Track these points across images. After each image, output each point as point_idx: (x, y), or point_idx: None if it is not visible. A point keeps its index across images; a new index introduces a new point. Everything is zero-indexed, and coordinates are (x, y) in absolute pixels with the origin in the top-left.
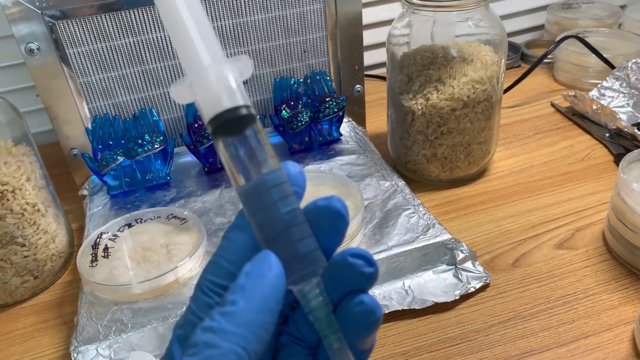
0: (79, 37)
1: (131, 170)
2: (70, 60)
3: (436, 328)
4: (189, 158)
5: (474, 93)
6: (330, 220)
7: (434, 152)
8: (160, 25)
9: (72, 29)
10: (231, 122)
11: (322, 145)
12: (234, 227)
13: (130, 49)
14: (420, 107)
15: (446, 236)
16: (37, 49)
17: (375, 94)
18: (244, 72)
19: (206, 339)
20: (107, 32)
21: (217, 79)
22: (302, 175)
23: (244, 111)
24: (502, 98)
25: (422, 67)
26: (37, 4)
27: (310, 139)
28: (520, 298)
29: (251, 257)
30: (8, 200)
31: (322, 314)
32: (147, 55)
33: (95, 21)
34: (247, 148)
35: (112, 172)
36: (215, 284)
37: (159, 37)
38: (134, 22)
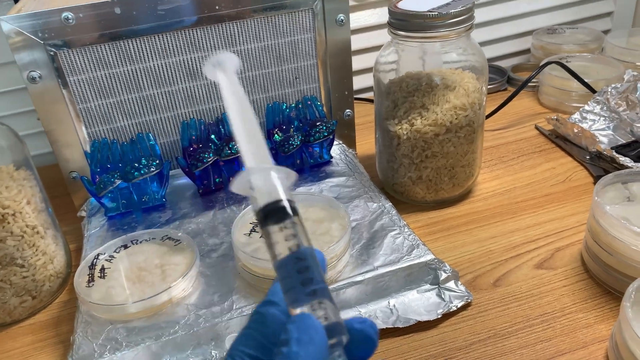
0: (80, 65)
1: (128, 193)
2: (70, 87)
3: (419, 346)
4: (184, 180)
5: (456, 119)
6: (361, 344)
7: (419, 175)
8: (156, 54)
9: (72, 58)
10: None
11: (313, 168)
12: (266, 302)
13: (128, 76)
14: (405, 132)
15: (430, 256)
16: (39, 77)
17: (366, 117)
18: (289, 177)
19: None
20: (107, 60)
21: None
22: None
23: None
24: (484, 122)
25: (407, 93)
26: (40, 34)
27: (301, 161)
28: (501, 317)
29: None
30: (9, 223)
31: None
32: (145, 82)
33: (95, 50)
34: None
35: (109, 195)
36: (247, 355)
37: (156, 65)
38: (132, 50)
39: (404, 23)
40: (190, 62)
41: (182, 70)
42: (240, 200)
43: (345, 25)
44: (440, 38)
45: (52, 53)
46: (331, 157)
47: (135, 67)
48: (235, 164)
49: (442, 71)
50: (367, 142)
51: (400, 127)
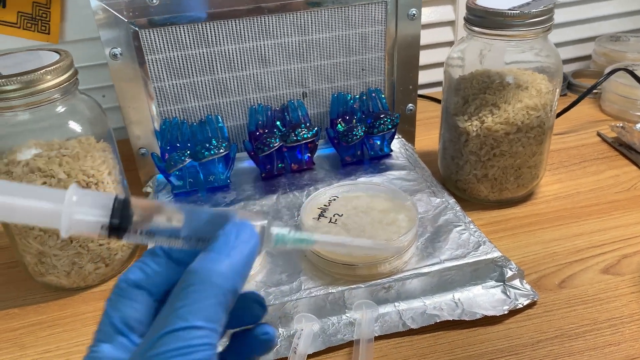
0: (158, 45)
1: (195, 172)
2: (147, 65)
3: (485, 340)
4: (247, 164)
5: (528, 119)
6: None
7: (485, 173)
8: (231, 39)
9: (152, 37)
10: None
11: (373, 160)
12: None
13: (202, 59)
14: (475, 129)
15: (496, 254)
16: (120, 54)
17: (424, 113)
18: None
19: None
20: (184, 42)
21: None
22: None
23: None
24: (554, 125)
25: (478, 90)
26: (124, 12)
27: (362, 153)
28: (567, 317)
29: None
30: None
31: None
32: (217, 65)
33: (174, 31)
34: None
35: (177, 172)
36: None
37: (230, 50)
38: (208, 34)
39: (482, 20)
40: (262, 49)
41: (254, 56)
42: (302, 186)
43: (417, 20)
44: (518, 37)
45: (133, 31)
46: (391, 150)
47: (210, 50)
48: (297, 151)
49: (514, 70)
50: (424, 138)
51: (470, 123)
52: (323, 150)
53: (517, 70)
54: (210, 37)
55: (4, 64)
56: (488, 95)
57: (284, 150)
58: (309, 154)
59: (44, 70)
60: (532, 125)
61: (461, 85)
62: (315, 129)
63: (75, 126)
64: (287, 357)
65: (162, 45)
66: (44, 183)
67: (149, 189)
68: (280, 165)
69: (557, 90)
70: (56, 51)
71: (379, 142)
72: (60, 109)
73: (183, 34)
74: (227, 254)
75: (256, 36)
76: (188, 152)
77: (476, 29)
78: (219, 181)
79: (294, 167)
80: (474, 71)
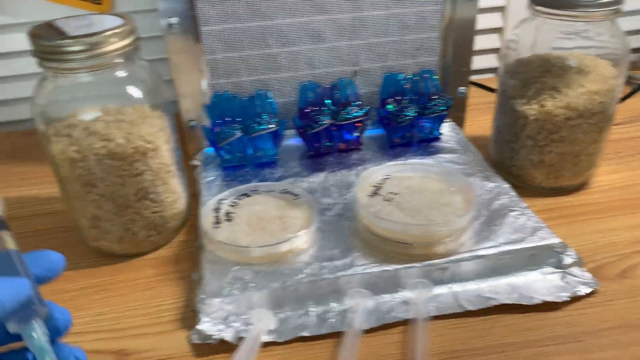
0: (213, 17)
1: (244, 146)
2: (202, 37)
3: (544, 325)
4: (292, 141)
5: (590, 104)
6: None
7: (541, 159)
8: (285, 13)
9: (208, 9)
10: None
11: (422, 142)
12: None
13: (256, 32)
14: (534, 113)
15: (555, 240)
16: (176, 24)
17: (471, 99)
18: None
19: None
20: (239, 14)
21: None
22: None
23: None
24: (615, 112)
25: (538, 73)
26: None
27: (411, 135)
28: (630, 308)
29: None
30: (149, 158)
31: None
32: (270, 40)
33: (229, 3)
34: None
35: (226, 146)
36: None
37: (283, 24)
38: (264, 7)
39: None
40: (314, 25)
41: (305, 32)
42: (349, 165)
43: (474, 1)
44: (585, 18)
45: (189, 2)
46: (441, 133)
47: (264, 23)
48: (345, 130)
49: (576, 54)
50: (471, 123)
51: (529, 107)
52: (370, 131)
53: (579, 54)
54: (265, 11)
55: (72, 25)
56: (549, 79)
57: (332, 129)
58: (357, 134)
59: (110, 32)
60: (595, 111)
61: (520, 68)
62: (366, 108)
63: (134, 92)
64: (340, 332)
65: (217, 17)
66: (103, 147)
67: (196, 162)
68: (327, 144)
69: (622, 76)
70: (120, 16)
71: (429, 125)
72: (121, 73)
73: (239, 6)
74: None
75: (311, 11)
76: (239, 125)
77: (542, 8)
78: (266, 157)
79: (341, 146)
80: (534, 54)
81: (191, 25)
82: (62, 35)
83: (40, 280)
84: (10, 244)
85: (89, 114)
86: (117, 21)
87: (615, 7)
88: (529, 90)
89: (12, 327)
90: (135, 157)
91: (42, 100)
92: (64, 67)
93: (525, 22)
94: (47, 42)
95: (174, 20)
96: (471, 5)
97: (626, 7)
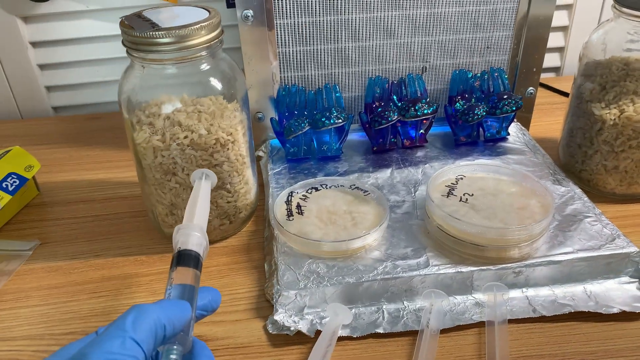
0: (287, 10)
1: (309, 140)
2: (275, 30)
3: (624, 335)
4: (356, 136)
5: None
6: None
7: (616, 165)
8: (357, 8)
9: (283, 2)
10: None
11: (488, 142)
12: None
13: (328, 26)
14: (612, 118)
15: (633, 249)
16: (252, 16)
17: (538, 99)
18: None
19: None
20: (312, 8)
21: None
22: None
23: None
24: None
25: (618, 77)
26: None
27: (477, 134)
28: None
29: None
30: (228, 149)
31: None
32: (342, 34)
33: None
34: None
35: (293, 139)
36: None
37: (355, 19)
38: (337, 1)
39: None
40: (388, 20)
41: (379, 27)
42: (416, 162)
43: None
44: None
45: None
46: (508, 134)
47: (336, 18)
48: (412, 127)
49: None
50: (538, 123)
51: (608, 111)
52: (434, 129)
53: None
54: (338, 5)
55: (161, 16)
56: (629, 83)
57: (397, 125)
58: (423, 131)
59: (199, 25)
60: None
61: (597, 72)
62: (435, 105)
63: (216, 84)
64: (413, 331)
65: (291, 10)
66: (186, 137)
67: (261, 153)
68: (392, 139)
69: None
70: (206, 9)
71: (496, 124)
72: (205, 66)
73: (314, 1)
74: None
75: (383, 6)
76: (307, 119)
77: (627, 10)
78: (331, 151)
79: (406, 142)
80: (613, 56)
81: (266, 17)
82: (154, 26)
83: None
84: (197, 282)
85: (171, 105)
86: (204, 14)
87: None
88: (608, 95)
89: (160, 346)
90: (216, 148)
91: (128, 87)
92: (151, 58)
93: (607, 23)
94: (139, 32)
95: (249, 12)
96: (549, 3)
97: None
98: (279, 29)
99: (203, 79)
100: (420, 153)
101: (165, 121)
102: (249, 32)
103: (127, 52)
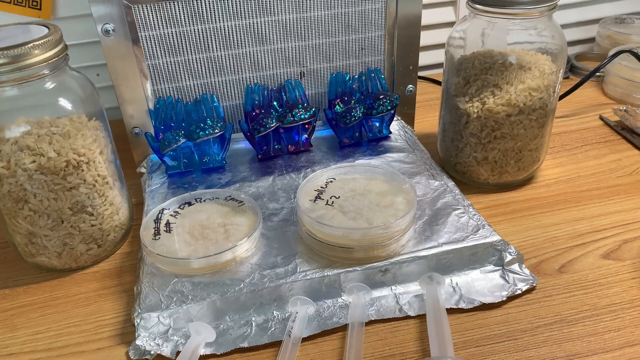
0: (151, 22)
1: (189, 152)
2: (141, 42)
3: (483, 324)
4: (242, 145)
5: (530, 100)
6: None
7: (485, 156)
8: (226, 15)
9: (145, 13)
10: None
11: (372, 142)
12: None
13: (197, 36)
14: (475, 111)
15: (495, 237)
16: (113, 30)
17: (424, 95)
18: None
19: None
20: (178, 18)
21: None
22: None
23: None
24: (556, 108)
25: (479, 71)
26: None
27: (360, 135)
28: (566, 303)
29: None
30: (83, 170)
31: None
32: (212, 43)
33: (168, 7)
34: None
35: (171, 153)
36: None
37: (225, 27)
38: (202, 10)
39: None
40: (259, 27)
41: (249, 34)
42: (298, 168)
43: None
44: (521, 15)
45: (126, 7)
46: (390, 132)
47: (204, 27)
48: (294, 132)
49: (516, 51)
50: (423, 120)
51: (471, 105)
52: (321, 132)
53: (520, 50)
54: (205, 14)
55: None
56: (490, 76)
57: (280, 131)
58: (307, 136)
59: (31, 44)
60: (534, 107)
61: (462, 66)
62: (313, 109)
63: (65, 104)
64: (281, 341)
65: (156, 21)
66: (33, 162)
67: (142, 170)
68: (276, 146)
69: (561, 71)
70: (45, 25)
71: (377, 124)
72: (50, 85)
73: (177, 10)
74: None
75: (253, 13)
76: (182, 132)
77: (479, 6)
78: (214, 162)
79: (290, 148)
80: (475, 51)
81: (129, 30)
82: None
83: None
84: None
85: (18, 128)
86: (43, 31)
87: (551, 4)
88: (471, 88)
89: None
90: (68, 170)
91: None
92: None
93: (466, 20)
94: None
95: (109, 26)
96: (415, 2)
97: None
98: (145, 41)
99: (50, 99)
100: (304, 158)
101: (12, 146)
102: (112, 47)
103: None
